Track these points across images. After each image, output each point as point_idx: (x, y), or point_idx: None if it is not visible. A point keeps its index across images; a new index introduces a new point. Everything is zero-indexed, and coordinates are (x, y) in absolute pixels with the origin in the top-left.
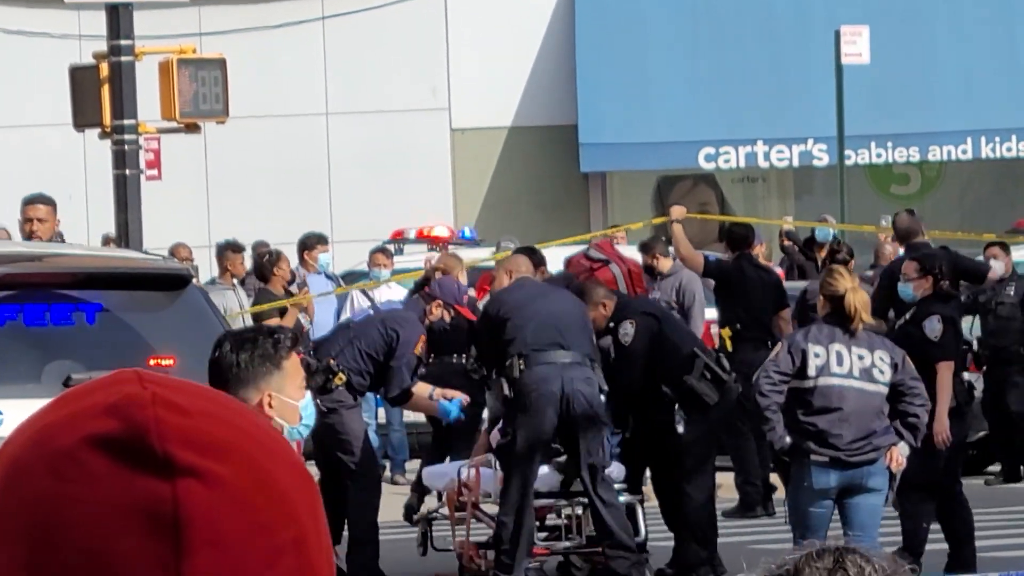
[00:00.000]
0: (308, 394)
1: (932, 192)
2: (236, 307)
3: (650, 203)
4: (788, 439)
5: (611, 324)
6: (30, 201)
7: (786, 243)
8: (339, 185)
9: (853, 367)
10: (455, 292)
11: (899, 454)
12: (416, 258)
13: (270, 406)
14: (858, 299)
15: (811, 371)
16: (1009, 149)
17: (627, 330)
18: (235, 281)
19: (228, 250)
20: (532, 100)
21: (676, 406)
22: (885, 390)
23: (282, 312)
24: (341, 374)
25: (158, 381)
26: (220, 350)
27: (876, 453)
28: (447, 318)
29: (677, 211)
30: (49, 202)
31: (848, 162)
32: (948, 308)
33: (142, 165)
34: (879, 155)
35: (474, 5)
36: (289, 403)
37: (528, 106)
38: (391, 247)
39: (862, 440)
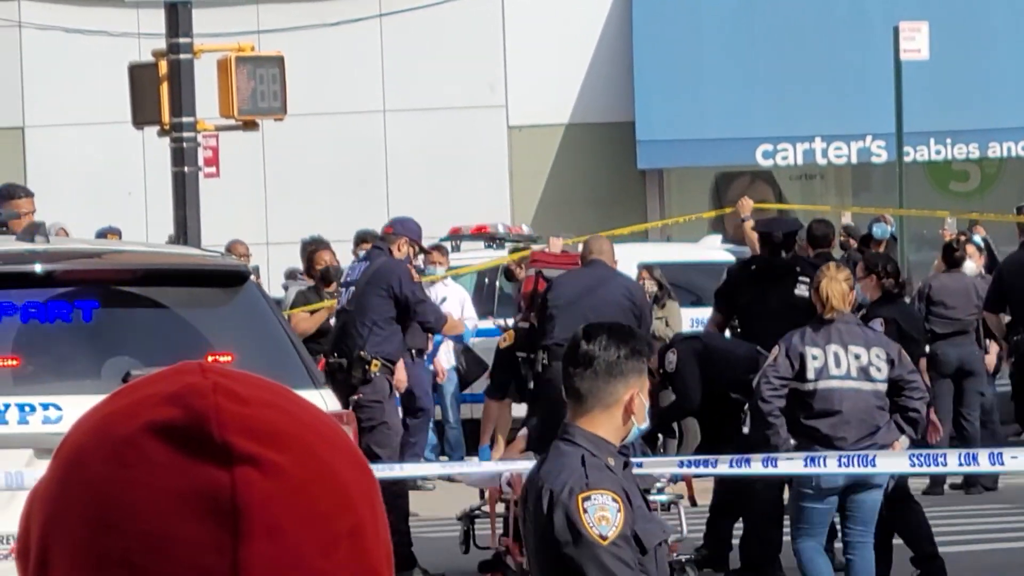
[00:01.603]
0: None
1: (991, 189)
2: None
3: (707, 200)
4: (793, 442)
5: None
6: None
7: (845, 239)
8: (396, 182)
9: (851, 367)
10: (417, 229)
11: (901, 449)
12: (472, 255)
13: (633, 403)
14: (832, 288)
15: (810, 374)
16: None
17: (670, 359)
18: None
19: (312, 246)
20: (589, 97)
21: (745, 406)
22: (884, 387)
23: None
24: (375, 360)
25: (220, 372)
26: (594, 341)
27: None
28: (412, 254)
29: (746, 205)
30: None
31: (907, 159)
32: (893, 309)
33: (200, 162)
34: (938, 152)
35: (531, 2)
36: (644, 403)
37: (585, 103)
38: (447, 244)
39: (866, 439)
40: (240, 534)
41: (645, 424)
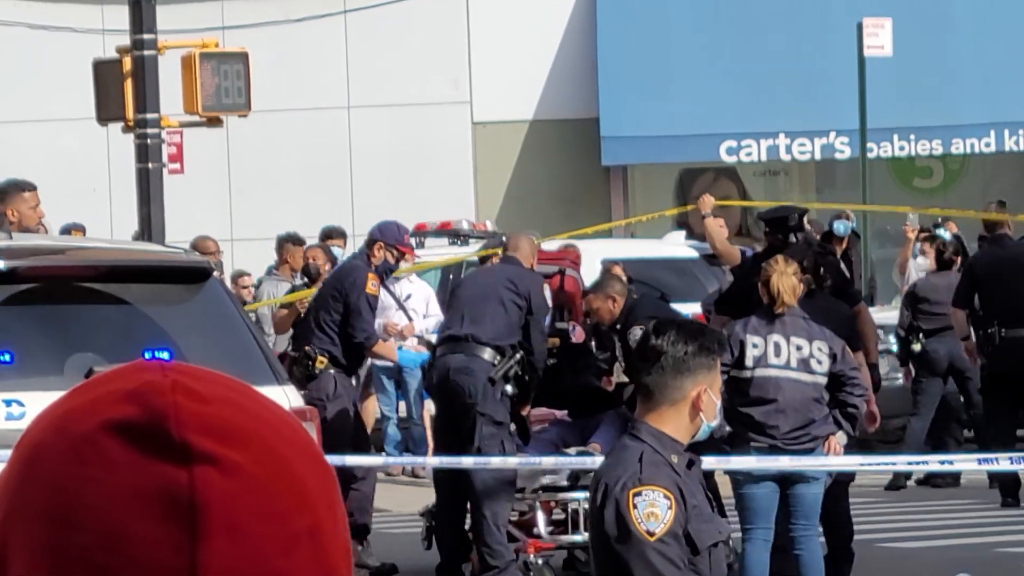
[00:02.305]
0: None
1: (955, 185)
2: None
3: (671, 196)
4: (728, 427)
5: (618, 326)
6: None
7: None
8: (361, 178)
9: (791, 358)
10: (396, 233)
11: (837, 443)
12: (436, 252)
13: (700, 399)
14: (783, 283)
15: (749, 362)
16: None
17: (636, 333)
18: (295, 273)
19: (288, 242)
20: (553, 93)
21: None
22: (823, 380)
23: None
24: (321, 357)
25: (179, 369)
26: (662, 336)
27: (814, 443)
28: (391, 259)
29: (707, 202)
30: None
31: (870, 155)
32: (802, 302)
33: (164, 159)
34: (901, 148)
35: None
36: (714, 401)
37: (549, 99)
38: (412, 240)
39: (800, 430)
40: (198, 533)
41: (716, 421)
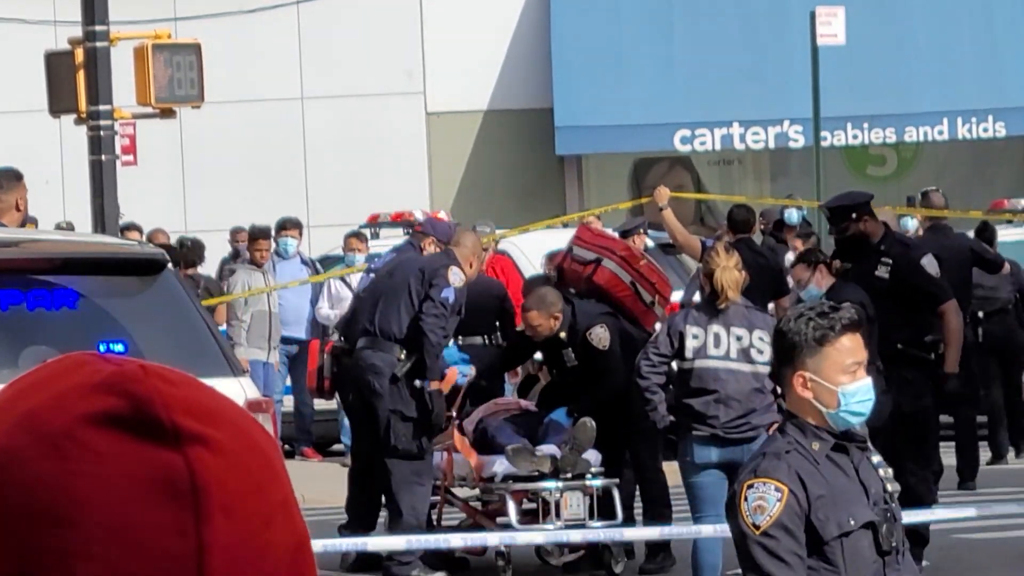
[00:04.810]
0: (863, 381)
1: (908, 173)
2: (262, 287)
3: (626, 186)
4: (671, 418)
5: (561, 335)
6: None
7: (761, 225)
8: (315, 169)
9: (731, 348)
10: (448, 231)
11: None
12: (390, 243)
13: (804, 386)
14: (726, 277)
15: (688, 353)
16: (985, 130)
17: (600, 334)
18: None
19: (250, 232)
20: (507, 83)
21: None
22: (765, 369)
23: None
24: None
25: (125, 358)
26: (781, 322)
27: (754, 432)
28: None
29: (663, 194)
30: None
31: (824, 143)
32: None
33: (118, 151)
34: (855, 136)
35: None
36: (826, 386)
37: (503, 89)
38: (366, 231)
39: (740, 419)
40: (201, 515)
41: (863, 407)
